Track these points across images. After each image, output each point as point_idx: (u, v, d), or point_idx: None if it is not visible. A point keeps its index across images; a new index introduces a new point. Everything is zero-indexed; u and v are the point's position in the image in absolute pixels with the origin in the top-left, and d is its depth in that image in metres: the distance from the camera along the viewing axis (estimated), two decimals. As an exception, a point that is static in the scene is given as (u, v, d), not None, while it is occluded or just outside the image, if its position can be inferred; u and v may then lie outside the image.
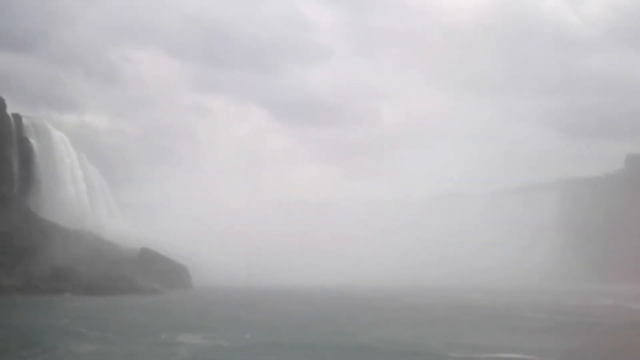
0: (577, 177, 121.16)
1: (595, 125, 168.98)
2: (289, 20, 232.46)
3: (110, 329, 33.89)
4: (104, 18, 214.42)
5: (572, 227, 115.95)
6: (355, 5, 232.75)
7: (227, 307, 53.34)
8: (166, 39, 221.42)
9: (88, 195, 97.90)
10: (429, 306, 59.05)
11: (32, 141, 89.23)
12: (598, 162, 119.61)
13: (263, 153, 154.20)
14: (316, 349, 28.42)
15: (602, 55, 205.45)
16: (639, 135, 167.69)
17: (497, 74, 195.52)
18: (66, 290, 69.47)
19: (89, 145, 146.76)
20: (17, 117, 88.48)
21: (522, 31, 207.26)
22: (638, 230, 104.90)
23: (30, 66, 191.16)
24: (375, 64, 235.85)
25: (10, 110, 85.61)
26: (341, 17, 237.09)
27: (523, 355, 28.58)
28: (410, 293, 77.97)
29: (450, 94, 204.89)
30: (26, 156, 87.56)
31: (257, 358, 26.59)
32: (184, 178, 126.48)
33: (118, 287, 72.78)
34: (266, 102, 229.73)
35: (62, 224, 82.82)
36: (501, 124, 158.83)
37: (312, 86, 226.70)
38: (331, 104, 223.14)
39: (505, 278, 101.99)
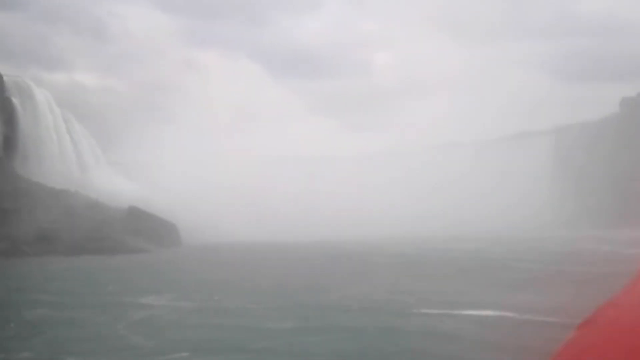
0: (572, 122, 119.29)
1: (591, 69, 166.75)
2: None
3: (73, 292, 32.78)
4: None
5: (567, 173, 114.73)
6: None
7: (208, 266, 52.17)
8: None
9: (75, 155, 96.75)
10: (415, 258, 58.01)
11: (15, 100, 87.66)
12: (593, 106, 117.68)
13: (256, 107, 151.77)
14: (278, 311, 27.20)
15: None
16: (634, 78, 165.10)
17: (491, 18, 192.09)
18: (52, 251, 68.46)
19: (79, 104, 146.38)
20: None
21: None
22: (634, 174, 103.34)
23: (15, 24, 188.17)
24: (368, 12, 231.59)
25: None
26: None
27: (498, 311, 27.30)
28: (402, 245, 76.98)
29: (444, 41, 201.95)
30: (9, 116, 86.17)
31: (211, 321, 25.35)
32: (176, 135, 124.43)
33: (104, 247, 71.80)
34: (258, 54, 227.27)
35: (48, 184, 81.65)
36: (496, 71, 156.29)
37: (304, 37, 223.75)
38: (324, 54, 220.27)
39: (501, 226, 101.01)
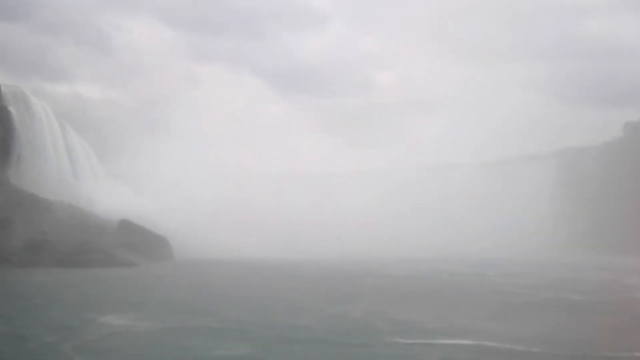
0: (573, 145, 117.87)
1: (594, 92, 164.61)
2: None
3: (34, 307, 31.53)
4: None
5: (567, 197, 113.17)
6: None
7: (189, 283, 50.90)
8: (157, 6, 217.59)
9: (72, 166, 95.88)
10: (404, 280, 56.59)
11: (12, 110, 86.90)
12: (596, 130, 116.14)
13: (258, 123, 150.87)
14: (240, 334, 25.82)
15: (600, 20, 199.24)
16: (637, 102, 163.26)
17: (495, 38, 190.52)
18: (39, 262, 67.24)
19: (81, 115, 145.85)
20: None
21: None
22: (635, 199, 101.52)
23: (19, 35, 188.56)
24: (371, 30, 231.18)
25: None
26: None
27: (478, 340, 25.67)
28: (395, 264, 75.73)
29: (448, 61, 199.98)
30: (5, 126, 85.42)
31: (164, 343, 24.01)
32: (177, 148, 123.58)
33: (93, 259, 70.52)
34: (260, 70, 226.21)
35: (42, 195, 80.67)
36: (498, 92, 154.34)
37: (307, 53, 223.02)
38: (326, 71, 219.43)
39: (495, 248, 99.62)
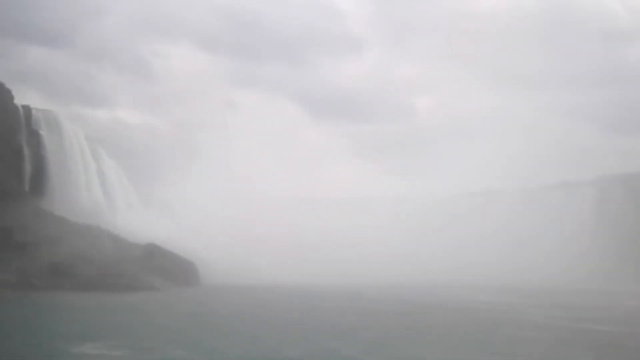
0: (616, 173, 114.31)
1: (636, 119, 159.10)
2: (320, 10, 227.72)
3: (10, 336, 30.33)
4: (133, 12, 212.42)
5: (610, 225, 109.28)
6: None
7: (201, 310, 49.62)
8: (196, 33, 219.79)
9: (103, 191, 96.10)
10: (425, 308, 54.41)
11: (43, 134, 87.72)
12: (636, 157, 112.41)
13: (296, 149, 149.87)
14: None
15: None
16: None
17: (538, 65, 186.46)
18: (62, 286, 66.80)
19: (121, 141, 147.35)
20: (27, 109, 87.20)
21: (563, 21, 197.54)
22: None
23: (61, 61, 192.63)
24: (409, 55, 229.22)
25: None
26: (373, 6, 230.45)
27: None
28: (422, 291, 73.74)
29: (489, 87, 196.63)
30: (36, 149, 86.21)
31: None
32: (210, 174, 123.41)
33: (118, 283, 69.86)
34: (299, 96, 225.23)
35: (71, 219, 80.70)
36: (539, 118, 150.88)
37: (345, 79, 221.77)
38: (365, 98, 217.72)
39: (538, 277, 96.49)
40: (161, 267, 77.87)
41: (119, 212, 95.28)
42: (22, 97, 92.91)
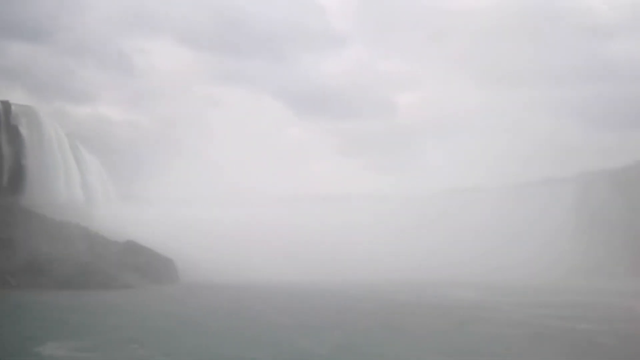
0: (599, 169, 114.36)
1: (622, 116, 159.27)
2: (302, 7, 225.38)
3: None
4: (114, 8, 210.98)
5: (593, 221, 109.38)
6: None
7: (176, 308, 49.12)
8: (178, 29, 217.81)
9: (83, 187, 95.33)
10: (402, 306, 54.15)
11: (22, 130, 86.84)
12: (623, 154, 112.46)
13: (277, 145, 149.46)
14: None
15: (627, 42, 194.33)
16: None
17: (516, 61, 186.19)
18: (38, 284, 66.09)
19: (104, 137, 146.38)
20: (7, 104, 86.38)
21: (546, 17, 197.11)
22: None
23: (42, 57, 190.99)
24: (391, 52, 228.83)
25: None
26: (354, 2, 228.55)
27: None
28: (401, 289, 73.75)
29: (470, 83, 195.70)
30: (15, 146, 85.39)
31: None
32: (192, 170, 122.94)
33: (95, 281, 69.24)
34: (280, 92, 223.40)
35: (50, 215, 79.97)
36: (520, 114, 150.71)
37: (327, 76, 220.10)
38: (347, 93, 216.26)
39: (522, 275, 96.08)
40: (139, 264, 77.21)
41: (99, 208, 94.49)
42: (4, 93, 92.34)
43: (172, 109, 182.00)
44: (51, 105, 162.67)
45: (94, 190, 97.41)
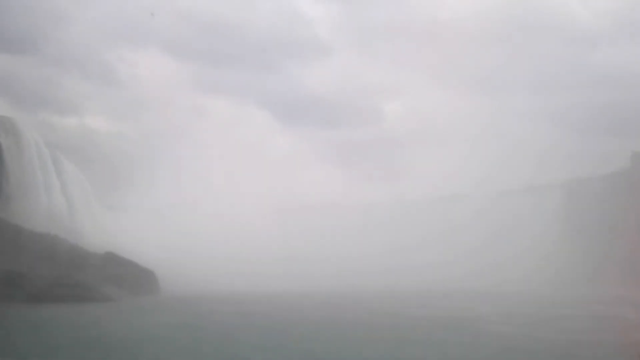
0: (581, 176, 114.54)
1: (604, 123, 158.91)
2: (287, 16, 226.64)
3: None
4: (98, 18, 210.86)
5: (574, 228, 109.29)
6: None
7: (150, 321, 48.05)
8: (162, 39, 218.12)
9: (64, 198, 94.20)
10: (385, 317, 53.49)
11: (1, 141, 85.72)
12: (604, 161, 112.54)
13: (265, 155, 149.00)
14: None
15: (610, 50, 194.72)
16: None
17: (502, 68, 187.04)
18: (11, 298, 64.60)
19: (89, 148, 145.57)
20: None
21: (527, 24, 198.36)
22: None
23: (26, 68, 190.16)
24: (376, 61, 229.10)
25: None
26: (339, 12, 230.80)
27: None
28: (390, 297, 72.93)
29: (455, 91, 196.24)
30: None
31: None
32: (180, 181, 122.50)
33: (73, 294, 67.74)
34: (267, 102, 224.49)
35: (29, 227, 78.75)
36: (508, 122, 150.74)
37: (313, 85, 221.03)
38: (333, 103, 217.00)
39: (501, 281, 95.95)
40: (118, 276, 75.92)
41: (80, 219, 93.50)
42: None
43: (157, 119, 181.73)
44: (37, 117, 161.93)
45: (75, 201, 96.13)
